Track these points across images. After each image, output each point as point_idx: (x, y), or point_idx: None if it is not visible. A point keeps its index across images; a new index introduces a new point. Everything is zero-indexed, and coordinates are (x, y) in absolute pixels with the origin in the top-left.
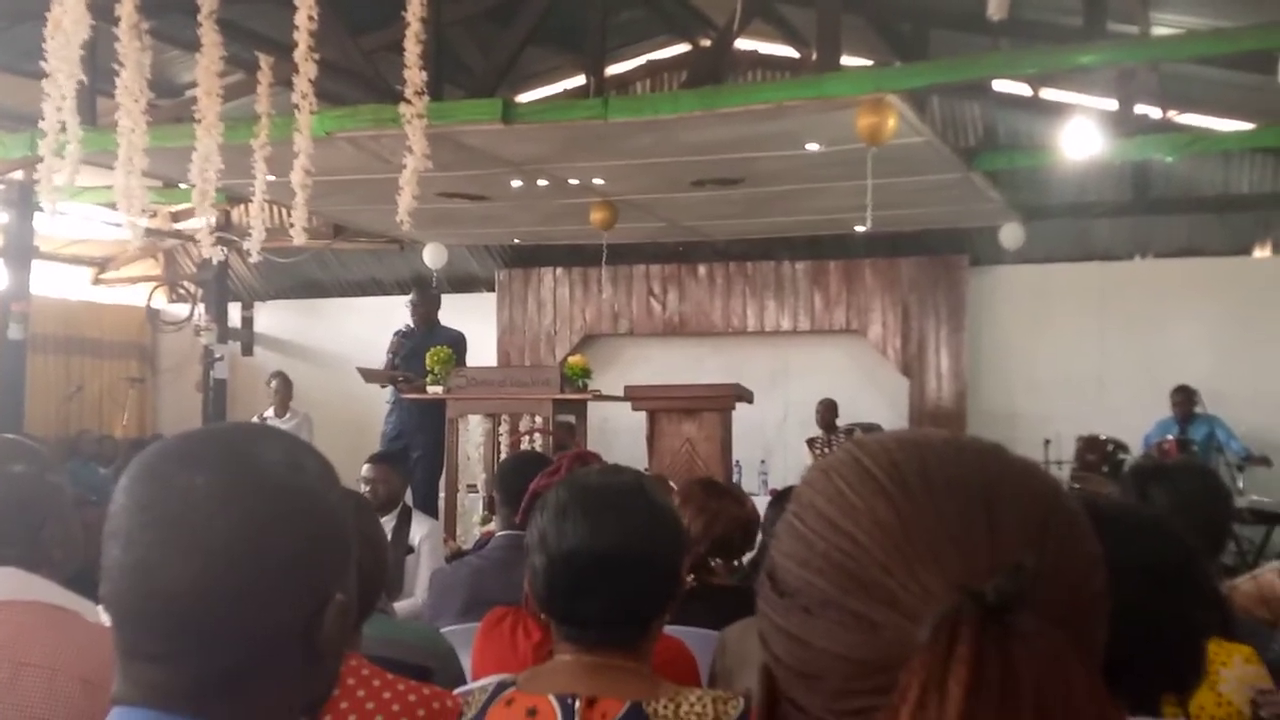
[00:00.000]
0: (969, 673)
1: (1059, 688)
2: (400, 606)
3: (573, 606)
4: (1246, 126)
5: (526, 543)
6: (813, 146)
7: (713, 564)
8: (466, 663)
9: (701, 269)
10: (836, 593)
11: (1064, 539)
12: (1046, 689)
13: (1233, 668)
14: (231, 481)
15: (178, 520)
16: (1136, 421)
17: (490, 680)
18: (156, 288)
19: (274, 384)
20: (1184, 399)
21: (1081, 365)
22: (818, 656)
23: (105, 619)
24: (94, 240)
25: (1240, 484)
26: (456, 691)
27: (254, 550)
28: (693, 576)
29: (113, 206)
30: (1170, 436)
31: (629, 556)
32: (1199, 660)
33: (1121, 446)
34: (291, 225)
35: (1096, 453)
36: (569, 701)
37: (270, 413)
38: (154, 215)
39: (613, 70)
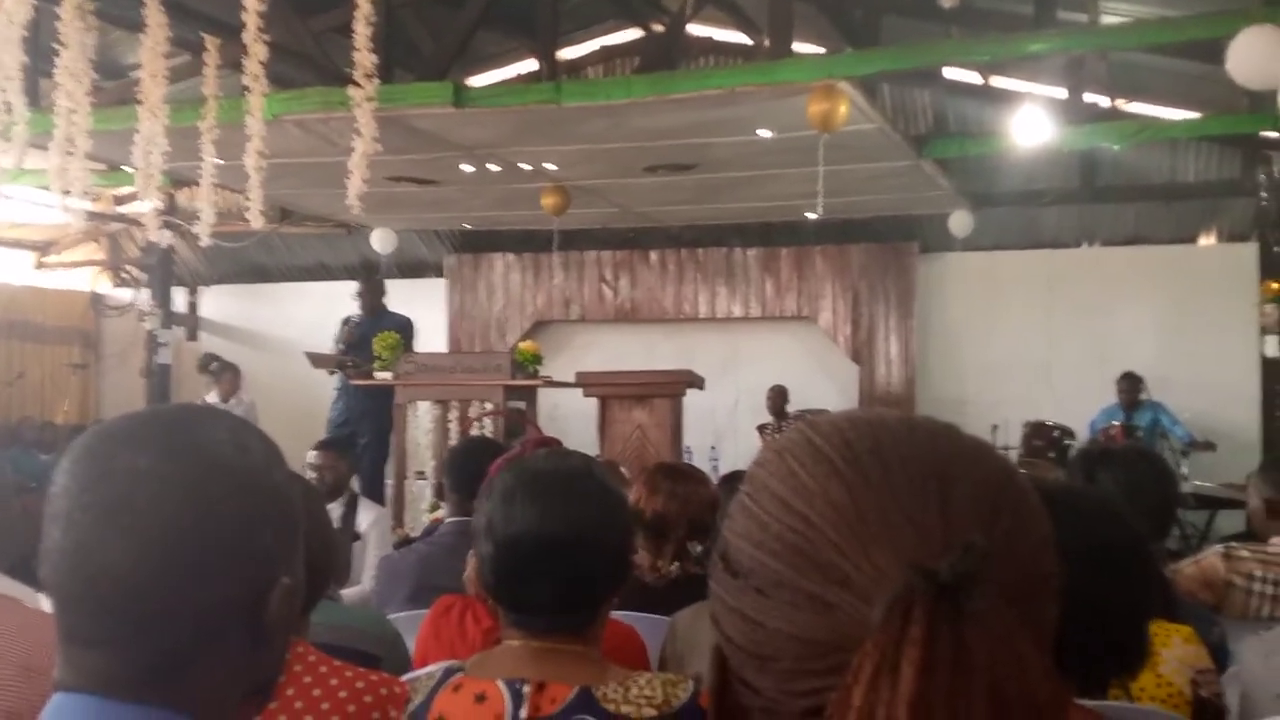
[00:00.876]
0: (921, 653)
1: (1011, 666)
2: (347, 594)
3: (520, 592)
4: (1193, 115)
5: (473, 528)
6: (764, 133)
7: (692, 548)
8: (413, 649)
9: (653, 255)
10: (790, 573)
11: (1016, 518)
12: (998, 668)
13: (1172, 648)
14: (175, 463)
15: (119, 502)
16: (1083, 408)
17: (438, 666)
18: (100, 272)
19: (213, 367)
20: (1129, 386)
21: (1029, 352)
22: (771, 637)
23: (46, 605)
24: (36, 224)
25: (1184, 469)
26: (404, 678)
27: (197, 532)
28: (677, 565)
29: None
30: (1116, 423)
31: (576, 541)
32: (1143, 642)
33: (1068, 432)
34: (247, 209)
35: (1043, 439)
36: (518, 686)
37: (213, 397)
38: (97, 199)
39: (565, 54)
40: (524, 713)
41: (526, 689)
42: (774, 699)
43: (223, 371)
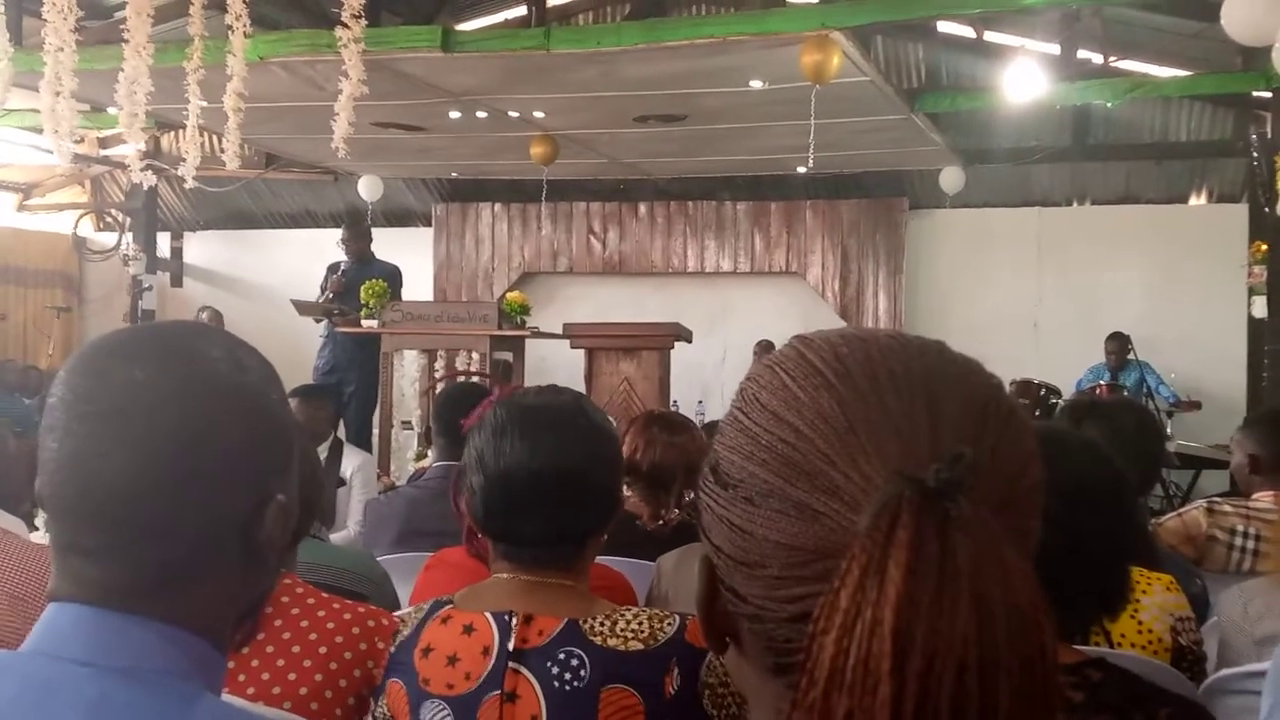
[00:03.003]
0: (908, 556)
1: (995, 571)
2: (333, 539)
3: (509, 525)
4: (1186, 74)
5: (464, 462)
6: (756, 84)
7: (688, 495)
8: (401, 592)
9: (642, 208)
10: (779, 483)
11: (1003, 431)
12: (983, 572)
13: (1153, 595)
14: (171, 376)
15: (117, 413)
16: (1070, 366)
17: (426, 601)
18: (83, 215)
19: (204, 317)
20: (1118, 347)
21: (1018, 310)
22: (759, 545)
23: (34, 539)
24: (18, 165)
25: (1169, 429)
26: (394, 615)
27: (194, 446)
28: (678, 513)
29: (38, 130)
30: (1102, 382)
31: (566, 475)
32: (1123, 582)
33: (1054, 391)
34: (223, 152)
35: (1029, 397)
36: (505, 618)
37: None
38: (81, 141)
39: (555, 0)
40: (511, 644)
41: (514, 621)
42: (761, 606)
43: (199, 314)
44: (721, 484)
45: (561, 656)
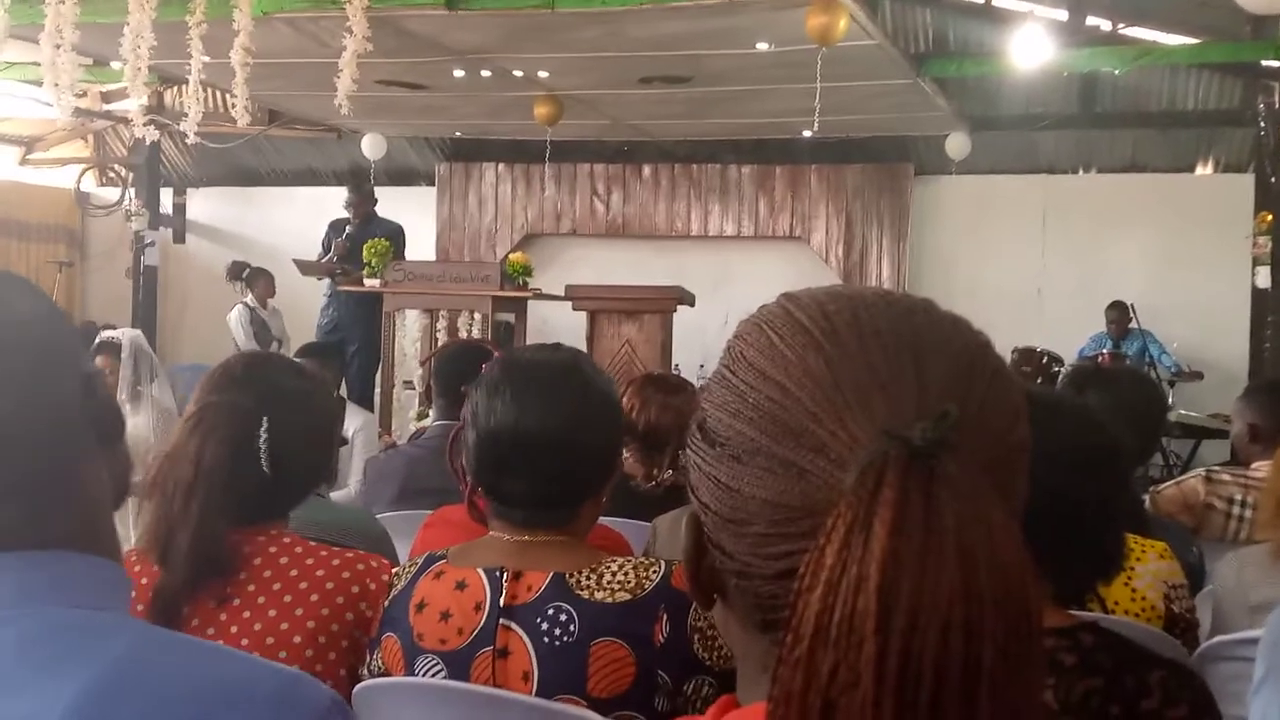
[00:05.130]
0: (893, 514)
1: (980, 528)
2: (334, 497)
3: (499, 484)
4: (1194, 41)
5: (462, 417)
6: (763, 45)
7: (684, 457)
8: (400, 549)
9: (646, 170)
10: (766, 441)
11: (989, 390)
12: (968, 529)
13: (1147, 562)
14: None
15: None
16: (1073, 334)
17: (420, 556)
18: (86, 170)
19: (246, 274)
20: (1119, 315)
21: (1021, 278)
22: (746, 503)
23: None
24: (21, 119)
25: (1170, 398)
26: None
27: (23, 364)
28: (671, 473)
29: (41, 83)
30: (1104, 351)
31: (555, 439)
32: (1118, 547)
33: (1056, 359)
34: (233, 107)
35: (1031, 364)
36: (497, 575)
37: (250, 302)
38: (83, 95)
39: None
40: (502, 600)
41: (505, 577)
42: (748, 563)
43: (258, 277)
44: (709, 442)
45: (550, 612)
